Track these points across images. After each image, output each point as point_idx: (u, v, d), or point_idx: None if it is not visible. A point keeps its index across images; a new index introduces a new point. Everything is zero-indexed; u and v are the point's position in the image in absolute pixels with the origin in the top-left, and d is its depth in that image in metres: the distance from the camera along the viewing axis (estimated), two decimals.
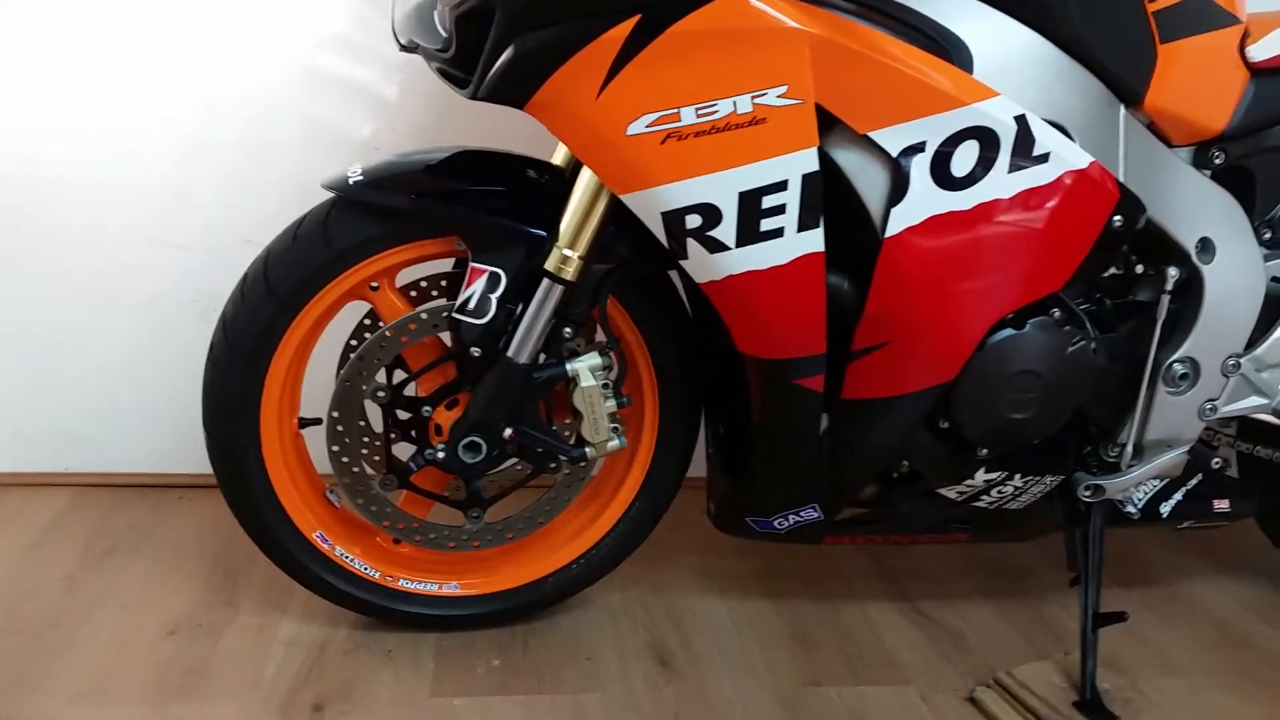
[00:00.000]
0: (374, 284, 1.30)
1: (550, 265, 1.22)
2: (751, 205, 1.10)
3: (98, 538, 1.68)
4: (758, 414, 1.29)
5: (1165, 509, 1.49)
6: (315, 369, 1.37)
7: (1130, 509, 1.48)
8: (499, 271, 1.23)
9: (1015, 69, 1.14)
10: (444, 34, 1.13)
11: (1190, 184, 1.28)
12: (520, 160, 1.32)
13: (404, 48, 1.23)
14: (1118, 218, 1.18)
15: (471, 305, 1.24)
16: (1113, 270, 1.32)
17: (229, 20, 1.67)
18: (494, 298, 1.23)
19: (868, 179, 1.13)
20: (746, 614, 1.56)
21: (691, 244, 1.13)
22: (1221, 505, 1.51)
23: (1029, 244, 1.16)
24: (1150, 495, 1.48)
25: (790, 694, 1.37)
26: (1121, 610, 1.36)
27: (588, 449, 1.33)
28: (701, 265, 1.15)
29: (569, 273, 1.23)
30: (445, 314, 1.26)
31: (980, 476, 1.33)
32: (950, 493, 1.36)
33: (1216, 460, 1.43)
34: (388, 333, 1.27)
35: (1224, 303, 1.31)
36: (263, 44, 1.68)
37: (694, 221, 1.11)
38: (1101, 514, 1.41)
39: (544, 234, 1.22)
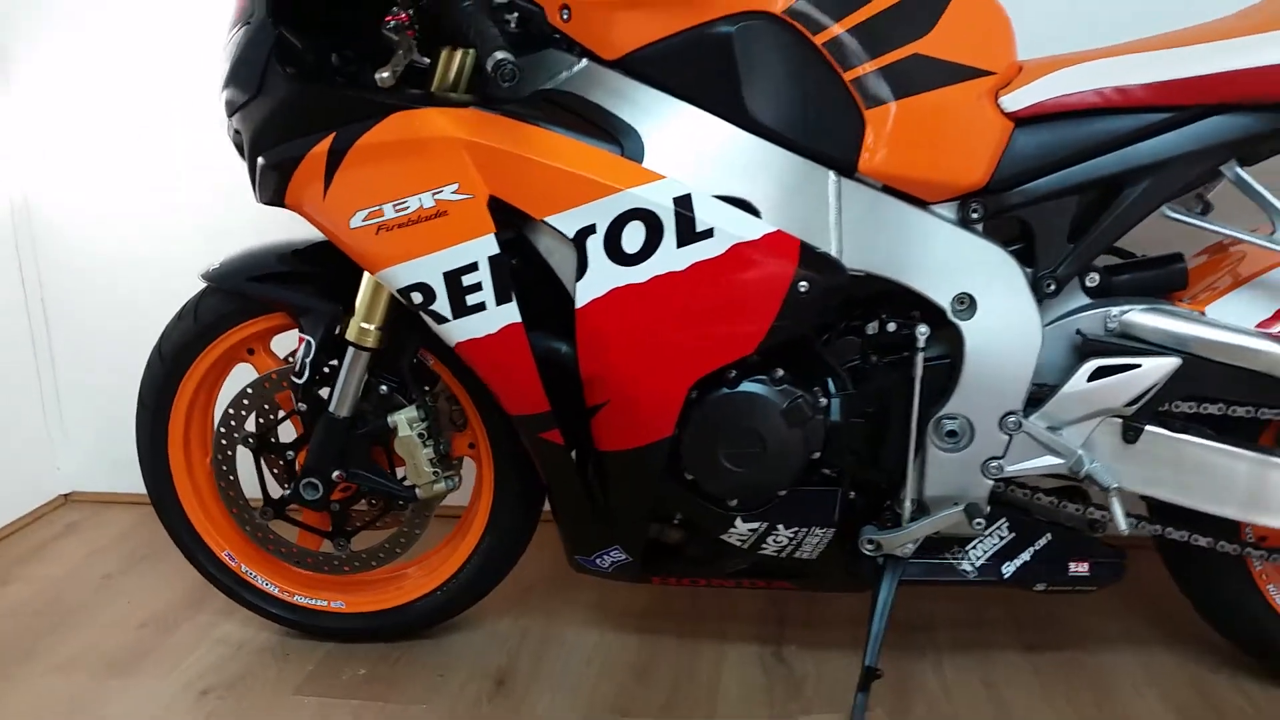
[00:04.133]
0: (250, 349, 1.59)
1: (351, 335, 1.45)
2: (455, 283, 1.27)
3: (141, 547, 2.10)
4: (535, 463, 1.44)
5: (1008, 569, 1.45)
6: None
7: (966, 567, 1.46)
8: (311, 340, 1.47)
9: (688, 153, 1.23)
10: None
11: (945, 241, 1.28)
12: None
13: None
14: (803, 283, 1.23)
15: (297, 368, 1.49)
16: (873, 328, 1.34)
17: None
18: (309, 362, 1.48)
19: (557, 257, 1.27)
20: (609, 645, 1.69)
21: (425, 316, 1.32)
22: (1079, 569, 1.44)
23: (709, 312, 1.24)
24: (990, 554, 1.45)
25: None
26: (880, 670, 1.36)
27: (417, 490, 1.53)
28: (441, 334, 1.33)
29: (369, 340, 1.45)
30: (286, 376, 1.52)
31: (743, 526, 1.39)
32: (732, 540, 1.42)
33: (991, 524, 1.37)
34: (249, 389, 1.55)
35: (990, 359, 1.29)
36: None
37: (418, 298, 1.30)
38: (896, 569, 1.41)
39: (341, 308, 1.45)
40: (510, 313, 1.27)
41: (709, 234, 1.21)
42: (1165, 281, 1.36)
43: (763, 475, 1.32)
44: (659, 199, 1.21)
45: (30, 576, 1.99)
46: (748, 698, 1.53)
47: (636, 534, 1.45)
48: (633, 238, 1.22)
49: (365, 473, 1.53)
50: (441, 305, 1.29)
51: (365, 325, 1.44)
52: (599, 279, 1.24)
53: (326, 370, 1.51)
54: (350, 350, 1.46)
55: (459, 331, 1.30)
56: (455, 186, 1.23)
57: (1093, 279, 1.35)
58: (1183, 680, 1.54)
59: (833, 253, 1.25)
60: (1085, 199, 1.29)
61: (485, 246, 1.25)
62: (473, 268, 1.26)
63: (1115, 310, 1.32)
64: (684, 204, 1.21)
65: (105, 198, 2.16)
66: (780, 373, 1.30)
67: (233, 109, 1.33)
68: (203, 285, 1.56)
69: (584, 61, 1.28)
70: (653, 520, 1.43)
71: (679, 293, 1.23)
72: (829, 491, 1.38)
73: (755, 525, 1.39)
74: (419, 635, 1.71)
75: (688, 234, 1.21)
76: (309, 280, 1.50)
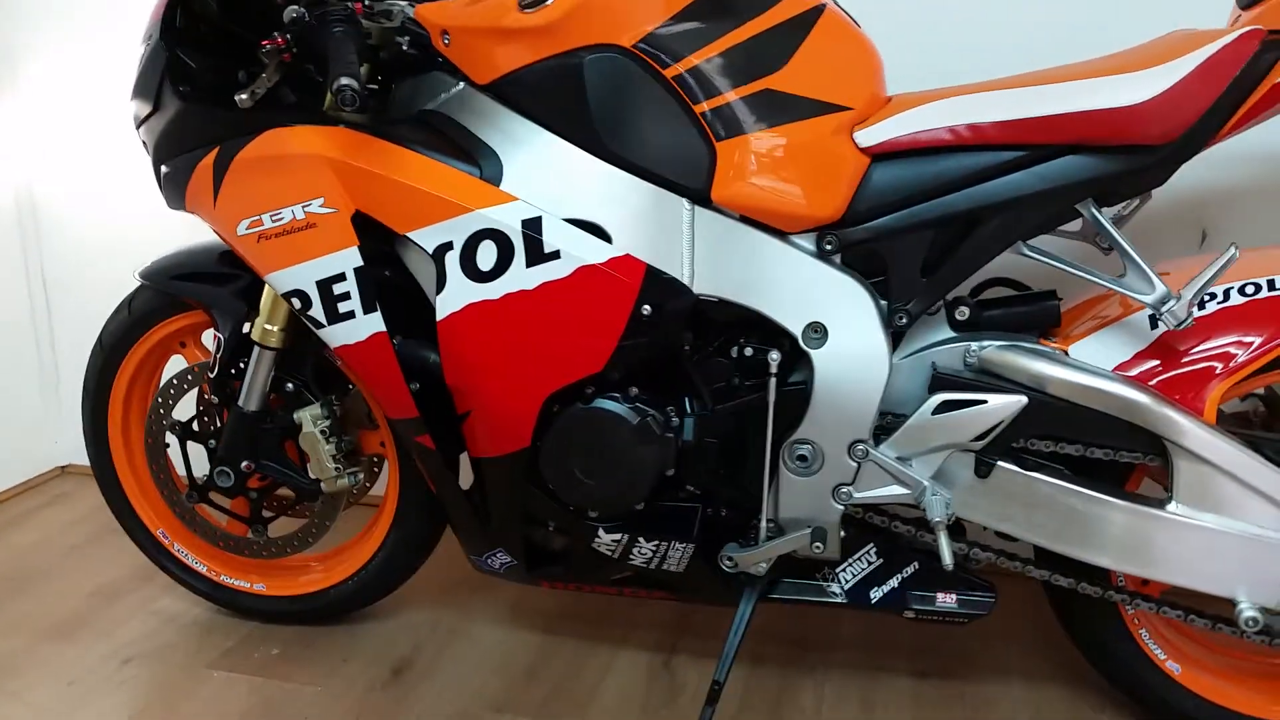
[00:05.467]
0: (182, 342, 1.70)
1: (255, 335, 1.54)
2: (327, 292, 1.35)
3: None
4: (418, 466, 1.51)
5: (875, 595, 1.47)
6: None
7: (835, 589, 1.48)
8: (221, 338, 1.57)
9: (543, 177, 1.28)
10: None
11: (799, 271, 1.30)
12: None
13: None
14: (646, 307, 1.26)
15: (212, 363, 1.59)
16: (737, 352, 1.36)
17: None
18: (219, 358, 1.57)
19: (421, 271, 1.33)
20: (510, 643, 1.75)
21: (306, 321, 1.40)
22: (947, 600, 1.45)
23: (556, 330, 1.28)
24: (859, 578, 1.47)
25: (464, 713, 1.55)
26: (715, 681, 1.39)
27: (321, 483, 1.62)
28: (322, 338, 1.40)
29: (273, 340, 1.53)
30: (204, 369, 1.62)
31: (607, 536, 1.43)
32: (602, 549, 1.47)
33: (859, 549, 1.40)
34: (174, 380, 1.66)
35: (838, 388, 1.31)
36: None
37: (297, 303, 1.38)
38: (754, 587, 1.44)
39: (249, 308, 1.54)
40: (375, 322, 1.34)
41: (556, 255, 1.26)
42: (1037, 319, 1.36)
43: (615, 489, 1.36)
44: (509, 220, 1.26)
45: (6, 542, 2.15)
46: (622, 703, 1.58)
47: (514, 538, 1.50)
48: (486, 256, 1.28)
49: (273, 464, 1.62)
50: (317, 311, 1.37)
51: (268, 326, 1.53)
52: (456, 294, 1.30)
53: (244, 365, 1.60)
54: (256, 348, 1.55)
55: (334, 337, 1.38)
56: (321, 200, 1.31)
57: (962, 313, 1.36)
58: (1061, 717, 1.53)
59: (684, 278, 1.29)
60: (939, 234, 1.29)
61: (350, 258, 1.32)
62: (341, 278, 1.33)
63: (975, 345, 1.33)
64: (533, 226, 1.26)
65: (104, 190, 2.30)
66: (635, 391, 1.35)
67: (138, 122, 1.44)
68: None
69: (461, 85, 1.34)
70: (528, 526, 1.48)
71: (529, 310, 1.28)
72: (689, 508, 1.41)
73: (618, 536, 1.43)
74: (336, 621, 1.80)
75: (536, 255, 1.26)
76: (225, 281, 1.59)
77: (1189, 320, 1.21)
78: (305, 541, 1.71)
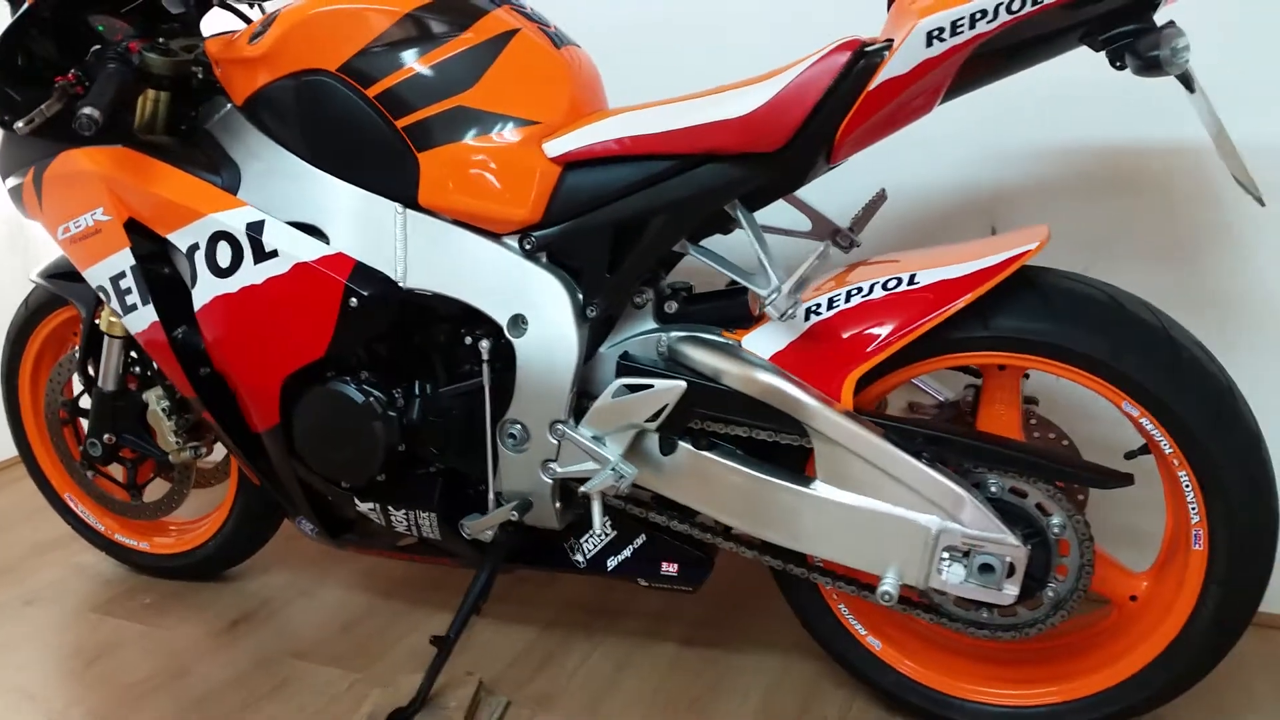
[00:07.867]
0: (75, 332, 1.98)
1: (102, 326, 1.80)
2: (117, 287, 1.59)
3: None
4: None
5: (612, 563, 1.61)
6: None
7: (579, 558, 1.62)
8: (84, 327, 1.84)
9: (270, 184, 1.49)
10: None
11: (504, 268, 1.45)
12: None
13: None
14: (353, 299, 1.45)
15: (77, 351, 1.87)
16: (468, 340, 1.53)
17: None
18: (80, 345, 1.84)
19: (182, 269, 1.56)
20: (344, 604, 1.95)
21: (114, 312, 1.64)
22: (669, 569, 1.58)
23: (281, 320, 1.48)
24: (599, 549, 1.61)
25: (267, 658, 1.77)
26: (442, 637, 1.55)
27: (169, 455, 1.87)
28: (126, 328, 1.65)
29: (117, 330, 1.79)
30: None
31: (363, 505, 1.62)
32: (373, 518, 1.65)
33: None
34: (58, 365, 1.95)
35: (537, 372, 1.45)
36: None
37: (104, 297, 1.63)
38: (496, 552, 1.60)
39: (97, 302, 1.81)
40: (151, 313, 1.58)
41: (275, 254, 1.46)
42: (729, 312, 1.47)
43: (350, 461, 1.55)
44: (235, 224, 1.47)
45: None
46: (409, 657, 1.75)
47: (305, 505, 1.70)
48: (224, 255, 1.49)
49: (131, 437, 1.88)
50: (115, 304, 1.61)
51: (112, 318, 1.79)
52: (206, 288, 1.52)
53: None
54: (105, 337, 1.81)
55: (130, 326, 1.62)
56: (101, 210, 1.55)
57: (671, 306, 1.48)
58: (798, 692, 1.62)
59: (395, 274, 1.46)
60: (617, 235, 1.42)
61: (126, 258, 1.56)
62: (123, 275, 1.57)
63: (665, 336, 1.45)
64: (255, 229, 1.46)
65: None
66: (365, 374, 1.53)
67: None
68: None
69: (229, 106, 1.56)
70: (312, 494, 1.68)
71: (259, 302, 1.49)
72: (428, 479, 1.58)
73: (372, 505, 1.61)
74: (210, 577, 2.05)
75: (260, 254, 1.47)
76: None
77: (790, 312, 1.30)
78: (169, 506, 1.97)
